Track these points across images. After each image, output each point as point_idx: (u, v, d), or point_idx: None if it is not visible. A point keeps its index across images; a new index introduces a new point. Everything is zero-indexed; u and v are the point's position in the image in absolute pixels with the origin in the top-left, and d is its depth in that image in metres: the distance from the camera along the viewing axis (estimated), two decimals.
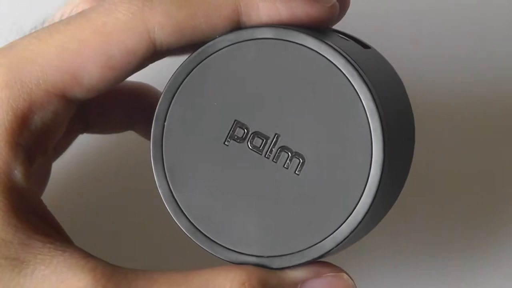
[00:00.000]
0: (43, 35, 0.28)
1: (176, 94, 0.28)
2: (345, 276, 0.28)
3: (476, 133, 0.41)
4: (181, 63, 0.29)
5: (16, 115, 0.28)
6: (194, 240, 0.28)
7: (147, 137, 0.34)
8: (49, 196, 0.31)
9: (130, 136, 0.35)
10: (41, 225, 0.28)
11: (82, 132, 0.34)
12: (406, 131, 0.31)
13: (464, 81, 0.41)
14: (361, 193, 0.27)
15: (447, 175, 0.40)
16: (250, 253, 0.28)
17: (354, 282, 0.28)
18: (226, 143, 0.28)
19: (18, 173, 0.28)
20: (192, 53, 0.29)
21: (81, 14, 0.29)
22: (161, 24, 0.28)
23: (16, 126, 0.28)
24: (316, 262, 0.28)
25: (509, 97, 0.41)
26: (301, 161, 0.27)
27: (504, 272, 0.40)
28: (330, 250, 0.27)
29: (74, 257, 0.27)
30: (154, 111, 0.29)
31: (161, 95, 0.29)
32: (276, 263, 0.27)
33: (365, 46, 0.31)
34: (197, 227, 0.28)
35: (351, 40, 0.30)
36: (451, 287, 0.40)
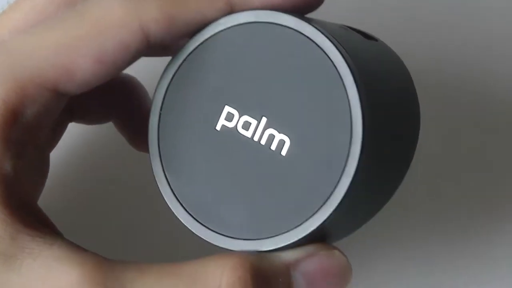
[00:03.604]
0: (37, 31, 0.29)
1: (170, 84, 0.29)
2: (337, 252, 0.28)
3: (476, 131, 0.40)
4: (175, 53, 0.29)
5: (8, 110, 0.28)
6: (186, 225, 0.28)
7: (122, 130, 0.34)
8: (44, 191, 0.31)
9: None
10: (30, 219, 0.28)
11: (70, 121, 0.34)
12: (403, 118, 0.30)
13: (464, 79, 0.41)
14: (341, 172, 0.26)
15: (447, 175, 0.40)
16: (241, 237, 0.28)
17: (347, 258, 0.28)
18: (217, 128, 0.28)
19: (8, 167, 0.28)
20: (183, 44, 0.29)
21: (74, 9, 0.29)
22: (154, 19, 0.28)
23: (7, 120, 0.28)
24: (308, 242, 0.27)
25: (509, 97, 0.40)
26: (285, 142, 0.27)
27: (505, 271, 0.39)
28: (314, 230, 0.27)
29: (63, 250, 0.27)
30: (151, 100, 0.29)
31: (157, 84, 0.29)
32: (266, 245, 0.27)
33: (369, 37, 0.31)
34: (190, 212, 0.28)
35: (351, 30, 0.30)
36: (451, 284, 0.39)
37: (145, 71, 0.34)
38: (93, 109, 0.34)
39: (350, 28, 0.31)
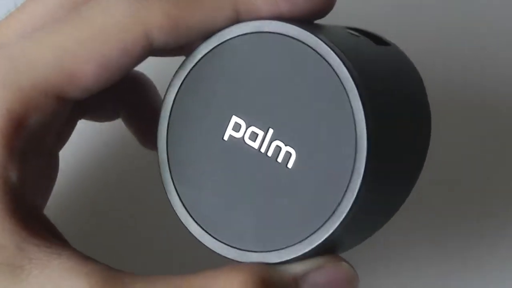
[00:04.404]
0: (39, 36, 0.28)
1: (178, 92, 0.29)
2: (344, 264, 0.28)
3: (477, 133, 0.40)
4: (183, 60, 0.29)
5: (12, 118, 0.27)
6: (194, 235, 0.28)
7: (131, 126, 0.34)
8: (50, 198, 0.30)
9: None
10: (38, 228, 0.27)
11: (80, 118, 0.34)
12: (413, 129, 0.30)
13: (464, 81, 0.41)
14: (346, 187, 0.27)
15: (447, 175, 0.40)
16: (248, 249, 0.28)
17: (354, 269, 0.28)
18: (224, 138, 0.28)
19: (14, 177, 0.27)
20: (191, 52, 0.29)
21: (77, 13, 0.28)
22: (158, 25, 0.28)
23: (12, 128, 0.27)
24: (315, 255, 0.28)
25: (509, 97, 0.41)
26: (291, 154, 0.27)
27: (505, 270, 0.39)
28: (320, 244, 0.27)
29: (71, 260, 0.27)
30: (160, 105, 0.29)
31: (166, 90, 0.29)
32: (273, 258, 0.27)
33: (381, 42, 0.31)
34: (198, 222, 0.28)
35: (362, 36, 0.30)
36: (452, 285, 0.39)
37: (154, 68, 0.33)
38: (103, 106, 0.34)
39: (362, 31, 0.30)
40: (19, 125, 0.27)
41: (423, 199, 0.39)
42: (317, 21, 0.30)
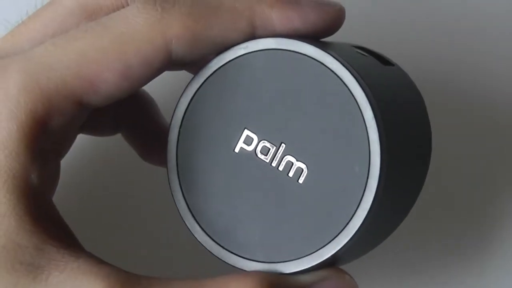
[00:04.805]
0: (61, 42, 0.29)
1: (191, 103, 0.29)
2: (348, 277, 0.29)
3: (477, 133, 0.41)
4: (196, 72, 0.30)
5: (35, 120, 0.28)
6: (203, 246, 0.29)
7: (131, 142, 0.35)
8: (59, 201, 0.31)
9: None
10: (55, 230, 0.28)
11: (79, 133, 0.34)
12: (416, 149, 0.31)
13: (464, 81, 0.41)
14: (357, 204, 0.27)
15: (448, 175, 0.41)
16: (255, 259, 0.28)
17: (356, 282, 0.29)
18: (235, 150, 0.29)
19: (34, 178, 0.28)
20: (205, 64, 0.29)
21: (98, 22, 0.29)
22: (178, 36, 0.28)
23: (35, 131, 0.28)
24: (321, 267, 0.28)
25: (509, 97, 0.41)
26: (303, 170, 0.28)
27: (505, 271, 0.40)
28: (329, 257, 0.28)
29: (88, 263, 0.27)
30: (171, 117, 0.29)
31: (177, 102, 0.29)
32: (282, 269, 0.28)
33: (387, 62, 0.32)
34: (207, 232, 0.29)
35: (370, 56, 0.31)
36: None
37: (156, 84, 0.34)
38: (103, 121, 0.34)
39: (367, 50, 0.31)
40: (41, 126, 0.28)
41: (423, 203, 0.39)
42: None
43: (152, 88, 0.33)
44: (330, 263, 0.29)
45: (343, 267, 0.30)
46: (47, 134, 0.28)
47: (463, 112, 0.41)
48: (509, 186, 0.41)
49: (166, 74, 0.32)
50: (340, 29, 0.30)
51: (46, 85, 0.28)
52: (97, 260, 0.28)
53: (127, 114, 0.35)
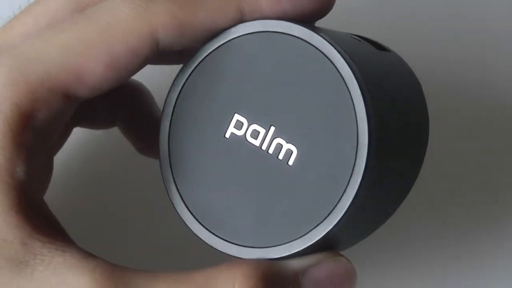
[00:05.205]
0: (47, 35, 0.28)
1: (181, 91, 0.29)
2: (343, 259, 0.29)
3: (476, 132, 0.41)
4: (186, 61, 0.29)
5: (20, 113, 0.28)
6: (195, 233, 0.29)
7: (127, 134, 0.34)
8: (51, 195, 0.31)
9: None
10: (42, 224, 0.28)
11: (75, 126, 0.34)
12: (411, 132, 0.30)
13: (463, 81, 0.41)
14: (346, 184, 0.27)
15: (447, 175, 0.40)
16: (248, 245, 0.28)
17: (352, 264, 0.29)
18: (226, 135, 0.29)
19: (20, 171, 0.28)
20: (194, 52, 0.29)
21: (84, 13, 0.29)
22: (164, 25, 0.28)
23: (20, 124, 0.28)
24: (316, 251, 0.28)
25: (509, 97, 0.41)
26: (293, 152, 0.28)
27: (505, 272, 0.39)
28: (319, 240, 0.27)
29: (74, 257, 0.27)
30: (163, 105, 0.29)
31: (168, 90, 0.29)
32: (272, 254, 0.28)
33: (382, 48, 0.31)
34: (198, 220, 0.29)
35: (364, 41, 0.30)
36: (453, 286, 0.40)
37: (153, 77, 0.34)
38: (99, 114, 0.34)
39: (363, 38, 0.31)
40: (27, 119, 0.28)
41: (422, 197, 0.39)
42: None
43: (148, 81, 0.33)
44: (324, 247, 0.28)
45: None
46: (34, 127, 0.28)
47: (463, 112, 0.41)
48: (509, 186, 0.40)
49: (162, 66, 0.32)
50: (339, 26, 0.30)
51: (31, 78, 0.28)
52: (85, 254, 0.27)
53: (123, 106, 0.35)
